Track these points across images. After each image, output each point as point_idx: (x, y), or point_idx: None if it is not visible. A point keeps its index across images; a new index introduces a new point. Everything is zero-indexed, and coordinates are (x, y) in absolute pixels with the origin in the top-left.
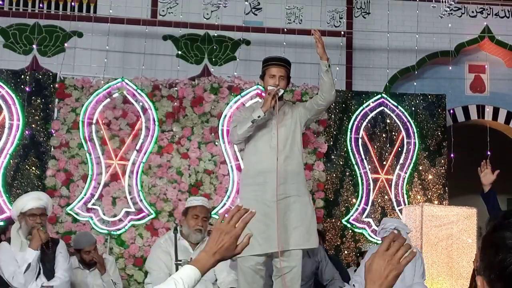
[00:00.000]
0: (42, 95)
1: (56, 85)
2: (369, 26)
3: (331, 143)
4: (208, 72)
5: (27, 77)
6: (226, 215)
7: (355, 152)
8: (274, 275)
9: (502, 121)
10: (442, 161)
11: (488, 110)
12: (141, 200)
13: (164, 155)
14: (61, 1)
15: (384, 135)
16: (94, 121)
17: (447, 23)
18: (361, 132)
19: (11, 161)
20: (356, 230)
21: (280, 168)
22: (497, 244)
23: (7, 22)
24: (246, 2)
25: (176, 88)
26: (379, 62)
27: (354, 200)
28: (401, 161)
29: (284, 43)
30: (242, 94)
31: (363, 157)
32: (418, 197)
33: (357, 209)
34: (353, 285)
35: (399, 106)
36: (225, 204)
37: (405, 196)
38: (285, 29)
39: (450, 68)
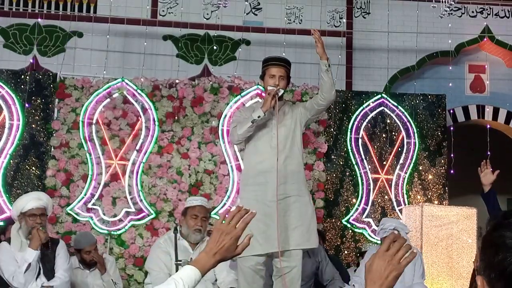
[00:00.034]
0: (42, 95)
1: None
2: (369, 26)
3: (331, 143)
4: (208, 72)
5: (27, 77)
6: (226, 216)
7: (355, 152)
8: (274, 275)
9: (502, 121)
10: (442, 161)
11: (488, 110)
12: (141, 200)
13: (164, 155)
14: (61, 1)
15: (384, 135)
16: (94, 121)
17: (447, 23)
18: (361, 132)
19: (11, 161)
20: (356, 230)
21: (280, 168)
22: (497, 244)
23: (7, 22)
24: (246, 2)
25: (176, 88)
26: (379, 62)
27: (354, 200)
28: (401, 161)
29: (284, 43)
30: (242, 94)
31: (363, 157)
32: (418, 197)
33: (357, 209)
34: (353, 285)
35: (399, 106)
36: (225, 204)
37: (405, 196)
38: (285, 29)
39: (450, 68)
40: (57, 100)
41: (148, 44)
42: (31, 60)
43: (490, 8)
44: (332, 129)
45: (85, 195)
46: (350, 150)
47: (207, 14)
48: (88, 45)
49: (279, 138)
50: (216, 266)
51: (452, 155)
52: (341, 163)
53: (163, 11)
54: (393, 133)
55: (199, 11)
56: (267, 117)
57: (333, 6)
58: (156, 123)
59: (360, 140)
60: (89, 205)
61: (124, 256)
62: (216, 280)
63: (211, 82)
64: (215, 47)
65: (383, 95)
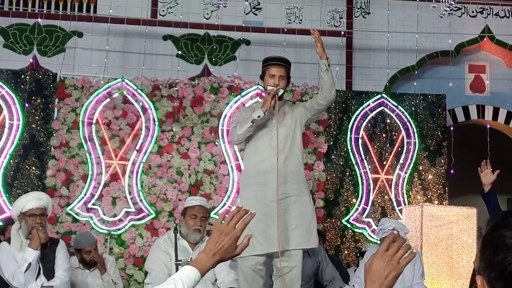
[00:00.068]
0: (42, 95)
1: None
2: (369, 26)
3: (331, 143)
4: (208, 72)
5: (27, 77)
6: (226, 216)
7: (355, 152)
8: (274, 275)
9: (502, 121)
10: (442, 161)
11: (488, 110)
12: (141, 200)
13: (164, 155)
14: (61, 1)
15: (384, 135)
16: (94, 121)
17: (447, 23)
18: (361, 132)
19: (11, 161)
20: (356, 230)
21: (280, 168)
22: (497, 244)
23: (7, 22)
24: (246, 2)
25: (176, 88)
26: (379, 62)
27: (354, 200)
28: (401, 161)
29: (284, 43)
30: (242, 94)
31: (363, 157)
32: (418, 197)
33: (357, 209)
34: (353, 285)
35: (399, 106)
36: (225, 204)
37: (405, 196)
38: (285, 29)
39: (450, 68)
40: (57, 100)
41: (148, 44)
42: (31, 60)
43: (490, 8)
44: (332, 129)
45: (85, 195)
46: (350, 150)
47: (207, 14)
48: (88, 45)
49: (279, 138)
50: (215, 267)
51: (452, 155)
52: (341, 163)
53: (163, 11)
54: (393, 133)
55: (199, 11)
56: (267, 117)
57: (333, 6)
58: (156, 123)
59: (360, 140)
60: (89, 205)
61: (124, 256)
62: (216, 280)
63: (211, 82)
64: (215, 47)
65: (383, 95)
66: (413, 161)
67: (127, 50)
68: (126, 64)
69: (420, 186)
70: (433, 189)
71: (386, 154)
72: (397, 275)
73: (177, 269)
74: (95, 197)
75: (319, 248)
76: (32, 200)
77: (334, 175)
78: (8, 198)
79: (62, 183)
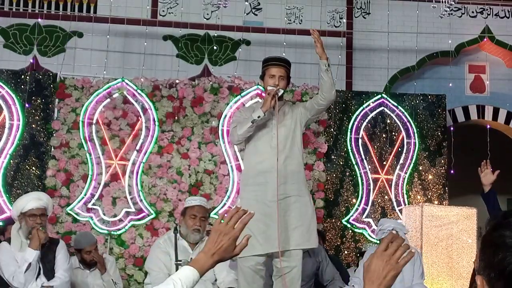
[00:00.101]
0: (42, 95)
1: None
2: (369, 26)
3: (331, 143)
4: (208, 72)
5: (27, 77)
6: (225, 215)
7: (355, 152)
8: (274, 275)
9: (502, 121)
10: (442, 161)
11: (488, 110)
12: (141, 200)
13: (164, 155)
14: (61, 1)
15: (384, 135)
16: (94, 121)
17: (447, 23)
18: (361, 132)
19: (11, 161)
20: (356, 230)
21: (280, 168)
22: (497, 243)
23: (7, 22)
24: (246, 2)
25: (176, 88)
26: (379, 62)
27: (354, 200)
28: (401, 161)
29: (284, 43)
30: (242, 94)
31: (363, 157)
32: (418, 197)
33: (357, 209)
34: (353, 286)
35: (399, 106)
36: (225, 204)
37: (405, 196)
38: (285, 29)
39: (450, 68)
40: (57, 100)
41: (148, 44)
42: (31, 60)
43: (490, 8)
44: (332, 129)
45: (85, 195)
46: (350, 150)
47: (207, 14)
48: (88, 45)
49: (279, 138)
50: (214, 267)
51: (452, 155)
52: (341, 163)
53: (163, 11)
54: (393, 133)
55: (199, 11)
56: (267, 117)
57: (333, 6)
58: (156, 123)
59: (360, 140)
60: (89, 205)
61: (124, 256)
62: (216, 280)
63: (211, 82)
64: (215, 47)
65: (383, 95)
66: (413, 161)
67: (127, 50)
68: (126, 64)
69: (420, 186)
70: (433, 189)
71: (386, 154)
72: (395, 275)
73: (177, 269)
74: (95, 197)
75: (319, 248)
76: (32, 200)
77: (334, 175)
78: (8, 198)
79: (62, 183)
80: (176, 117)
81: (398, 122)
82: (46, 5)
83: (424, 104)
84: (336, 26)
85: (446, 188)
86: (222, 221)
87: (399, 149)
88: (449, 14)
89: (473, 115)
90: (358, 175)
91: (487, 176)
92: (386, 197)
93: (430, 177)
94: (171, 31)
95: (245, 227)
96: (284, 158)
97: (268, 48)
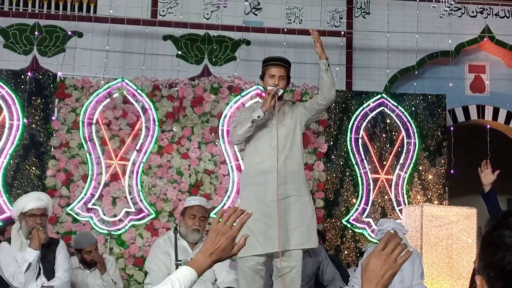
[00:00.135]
0: (42, 95)
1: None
2: (369, 26)
3: (331, 143)
4: (208, 72)
5: (27, 77)
6: (224, 214)
7: (355, 152)
8: (274, 275)
9: (502, 121)
10: (442, 161)
11: (488, 110)
12: (141, 200)
13: (164, 155)
14: (61, 1)
15: (384, 135)
16: (94, 121)
17: (447, 23)
18: (361, 132)
19: (11, 161)
20: (356, 230)
21: (280, 168)
22: (496, 243)
23: (7, 22)
24: (246, 2)
25: (176, 88)
26: (379, 62)
27: (354, 200)
28: (401, 161)
29: (284, 43)
30: (242, 94)
31: (363, 157)
32: (418, 197)
33: (357, 209)
34: (352, 286)
35: (399, 106)
36: (225, 204)
37: (405, 196)
38: (285, 29)
39: (450, 68)
40: (57, 100)
41: (148, 44)
42: (31, 61)
43: (490, 8)
44: (332, 129)
45: (85, 195)
46: (350, 150)
47: (207, 14)
48: (88, 45)
49: (279, 138)
50: (212, 267)
51: (452, 155)
52: (341, 163)
53: (163, 11)
54: (393, 133)
55: (199, 11)
56: (267, 117)
57: (333, 6)
58: (156, 123)
59: (360, 140)
60: (89, 205)
61: (124, 256)
62: (216, 280)
63: (211, 82)
64: (215, 47)
65: (383, 95)
66: (413, 161)
67: (127, 50)
68: (126, 64)
69: (420, 186)
70: (433, 189)
71: (386, 154)
72: (393, 274)
73: (177, 269)
74: (95, 197)
75: (319, 248)
76: (33, 200)
77: (334, 175)
78: (8, 198)
79: (62, 183)
80: (176, 117)
81: (398, 122)
82: (46, 5)
83: (424, 104)
84: (336, 26)
85: (446, 188)
86: (221, 219)
87: (399, 149)
88: (449, 14)
89: (473, 115)
90: (358, 175)
91: (487, 176)
92: (386, 197)
93: (430, 177)
94: (171, 31)
95: (245, 227)
96: (284, 158)
97: (268, 48)
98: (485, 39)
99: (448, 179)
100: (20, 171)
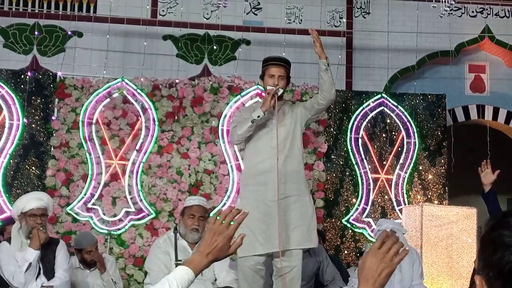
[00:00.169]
0: (42, 95)
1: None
2: (369, 26)
3: (331, 143)
4: (208, 72)
5: (27, 77)
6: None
7: (355, 152)
8: (274, 274)
9: (502, 121)
10: (442, 161)
11: (488, 110)
12: (141, 200)
13: (164, 155)
14: (61, 1)
15: (384, 135)
16: (94, 121)
17: (447, 23)
18: (361, 132)
19: (11, 161)
20: (356, 230)
21: (280, 168)
22: (495, 243)
23: (7, 22)
24: (246, 2)
25: (176, 88)
26: (379, 62)
27: (354, 200)
28: (401, 161)
29: (284, 43)
30: (242, 94)
31: (363, 157)
32: (418, 197)
33: (357, 209)
34: (352, 286)
35: (399, 106)
36: (225, 204)
37: (405, 196)
38: (285, 29)
39: (450, 68)
40: (57, 100)
41: (148, 44)
42: (31, 60)
43: (490, 8)
44: (332, 129)
45: (85, 195)
46: (350, 150)
47: (207, 14)
48: (88, 45)
49: (279, 138)
50: (210, 266)
51: (452, 155)
52: (341, 163)
53: (163, 11)
54: (393, 133)
55: (199, 11)
56: (267, 117)
57: (333, 6)
58: (156, 123)
59: (360, 140)
60: (89, 205)
61: (124, 256)
62: (215, 280)
63: (211, 82)
64: (215, 47)
65: (383, 95)
66: (413, 161)
67: (127, 50)
68: (126, 64)
69: (420, 186)
70: (433, 189)
71: (386, 154)
72: (390, 273)
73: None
74: (95, 197)
75: (320, 248)
76: (33, 200)
77: (334, 175)
78: (8, 198)
79: (62, 183)
80: (176, 117)
81: (398, 122)
82: (46, 5)
83: (424, 104)
84: (336, 26)
85: (446, 188)
86: (218, 217)
87: (399, 149)
88: (449, 14)
89: (473, 115)
90: (358, 175)
91: (488, 176)
92: (386, 197)
93: (430, 177)
94: (171, 31)
95: (245, 227)
96: (284, 158)
97: (268, 48)
98: (485, 39)
99: (448, 179)
100: (20, 171)
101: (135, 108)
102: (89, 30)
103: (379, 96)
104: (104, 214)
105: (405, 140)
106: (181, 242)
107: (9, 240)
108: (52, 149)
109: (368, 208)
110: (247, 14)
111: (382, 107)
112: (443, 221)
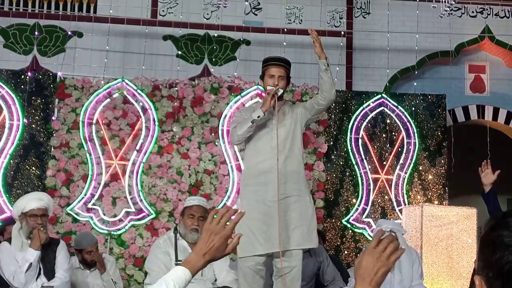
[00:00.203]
0: (42, 95)
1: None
2: (369, 26)
3: (331, 143)
4: (208, 72)
5: (27, 77)
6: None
7: (355, 152)
8: (274, 275)
9: (502, 121)
10: (442, 161)
11: (488, 110)
12: (141, 200)
13: (164, 155)
14: (61, 1)
15: (384, 135)
16: (94, 121)
17: (447, 23)
18: (361, 132)
19: (11, 161)
20: (356, 230)
21: (280, 168)
22: (495, 243)
23: (7, 22)
24: (246, 2)
25: (176, 88)
26: (379, 62)
27: (354, 200)
28: (401, 161)
29: (284, 43)
30: (242, 94)
31: (363, 157)
32: (418, 197)
33: (357, 209)
34: (352, 286)
35: (399, 106)
36: (225, 204)
37: (405, 196)
38: (285, 29)
39: (450, 68)
40: (57, 100)
41: (148, 44)
42: (31, 60)
43: (490, 8)
44: (332, 129)
45: (85, 195)
46: (350, 150)
47: (207, 14)
48: (88, 45)
49: (279, 138)
50: (206, 266)
51: (452, 155)
52: (341, 163)
53: (163, 11)
54: (393, 133)
55: (199, 11)
56: (267, 117)
57: (333, 6)
58: (156, 123)
59: (360, 140)
60: (89, 205)
61: (124, 256)
62: (215, 280)
63: (211, 82)
64: (215, 47)
65: (383, 95)
66: (413, 161)
67: (127, 50)
68: (126, 64)
69: (420, 186)
70: (433, 189)
71: (386, 154)
72: (386, 271)
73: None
74: (95, 197)
75: (320, 248)
76: (34, 201)
77: (334, 175)
78: (8, 198)
79: (62, 183)
80: (176, 117)
81: (398, 122)
82: (46, 5)
83: (424, 104)
84: (336, 26)
85: (446, 188)
86: (215, 216)
87: (399, 149)
88: (449, 14)
89: (473, 115)
90: (358, 175)
91: (488, 176)
92: (386, 197)
93: (430, 177)
94: (171, 31)
95: (246, 227)
96: (284, 158)
97: (268, 48)
98: (485, 39)
99: (448, 179)
100: (20, 171)
101: (135, 108)
102: (89, 30)
103: (379, 96)
104: (104, 214)
105: (405, 140)
106: (181, 242)
107: (9, 240)
108: (52, 149)
109: (368, 208)
110: (247, 14)
111: (382, 107)
112: (443, 221)
